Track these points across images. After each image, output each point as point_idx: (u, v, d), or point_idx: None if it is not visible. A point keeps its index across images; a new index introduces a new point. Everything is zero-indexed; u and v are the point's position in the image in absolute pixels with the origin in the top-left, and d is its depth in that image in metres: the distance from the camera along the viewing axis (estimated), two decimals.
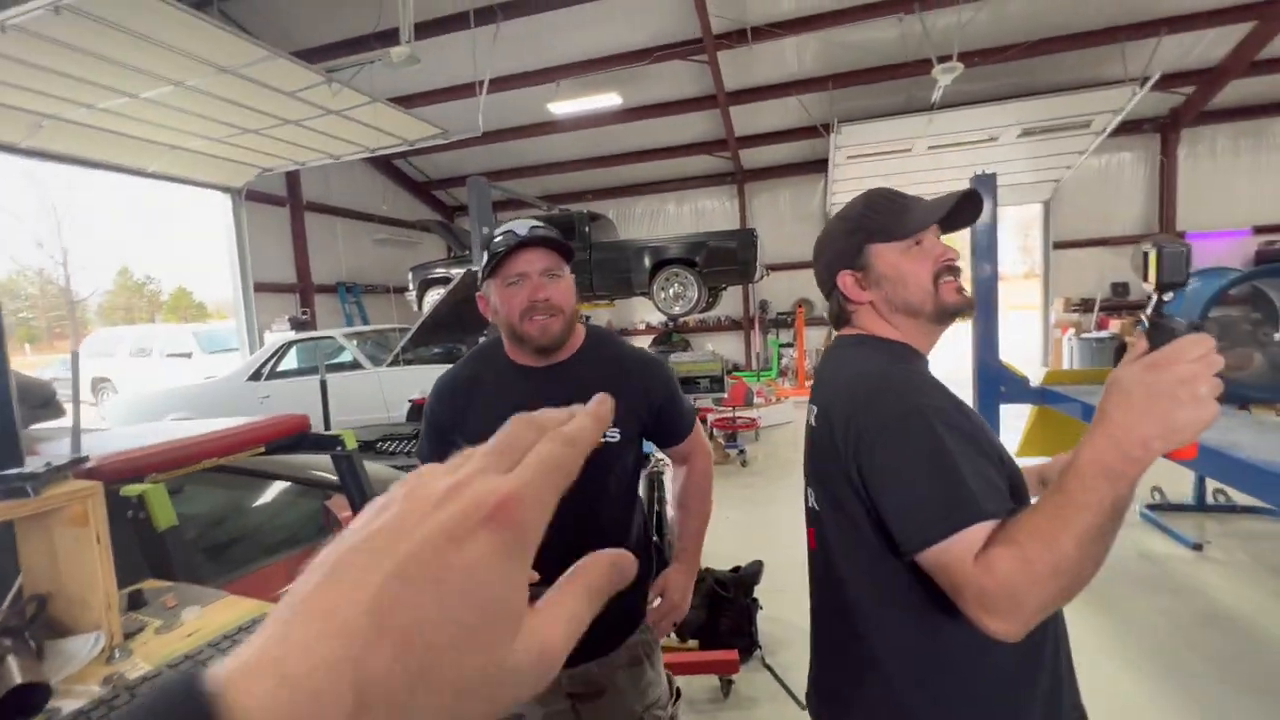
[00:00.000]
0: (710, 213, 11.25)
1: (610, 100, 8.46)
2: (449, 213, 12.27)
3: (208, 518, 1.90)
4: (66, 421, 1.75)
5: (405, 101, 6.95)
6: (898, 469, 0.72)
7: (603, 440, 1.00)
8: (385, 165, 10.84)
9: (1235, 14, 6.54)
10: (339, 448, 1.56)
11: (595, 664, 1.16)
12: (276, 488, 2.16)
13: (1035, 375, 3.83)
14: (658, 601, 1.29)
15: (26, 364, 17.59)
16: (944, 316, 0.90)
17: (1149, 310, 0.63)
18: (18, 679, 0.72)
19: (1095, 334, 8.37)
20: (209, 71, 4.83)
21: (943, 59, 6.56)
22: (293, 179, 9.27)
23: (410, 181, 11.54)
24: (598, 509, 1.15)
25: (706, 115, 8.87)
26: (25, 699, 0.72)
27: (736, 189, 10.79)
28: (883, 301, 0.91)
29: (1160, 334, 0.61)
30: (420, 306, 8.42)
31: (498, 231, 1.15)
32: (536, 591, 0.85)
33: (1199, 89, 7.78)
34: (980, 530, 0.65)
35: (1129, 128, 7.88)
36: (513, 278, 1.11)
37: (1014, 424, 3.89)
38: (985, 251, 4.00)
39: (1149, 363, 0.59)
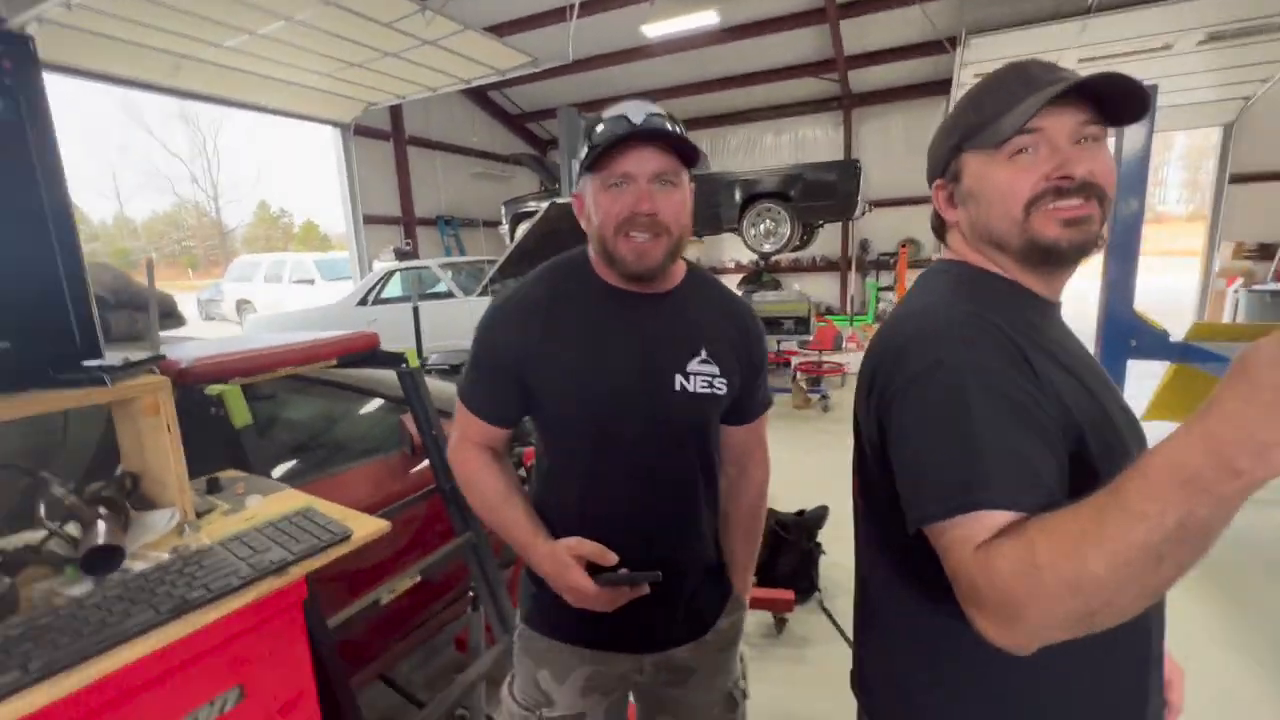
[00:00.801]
0: (812, 142, 10.46)
1: (708, 19, 7.91)
2: (542, 146, 12.30)
3: (299, 423, 2.11)
4: (184, 331, 1.96)
5: (497, 30, 6.89)
6: (910, 431, 0.59)
7: (708, 390, 0.97)
8: (480, 98, 10.96)
9: None
10: (403, 365, 1.64)
11: (685, 648, 1.02)
12: (363, 402, 2.34)
13: (1181, 330, 3.31)
14: None
15: (190, 285, 20.26)
16: (1035, 255, 0.64)
17: None
18: (99, 540, 0.83)
19: (1272, 285, 7.07)
20: (314, 3, 5.02)
21: None
22: (396, 114, 9.62)
23: (504, 114, 11.63)
24: (690, 466, 0.97)
25: (813, 32, 8.09)
26: (106, 557, 0.82)
27: (843, 116, 9.91)
28: (967, 224, 0.69)
29: None
30: (512, 239, 8.66)
31: (606, 114, 0.90)
32: (626, 574, 0.90)
33: None
34: (985, 519, 0.52)
35: None
36: (616, 178, 0.86)
37: (1148, 386, 3.42)
38: (1134, 183, 3.41)
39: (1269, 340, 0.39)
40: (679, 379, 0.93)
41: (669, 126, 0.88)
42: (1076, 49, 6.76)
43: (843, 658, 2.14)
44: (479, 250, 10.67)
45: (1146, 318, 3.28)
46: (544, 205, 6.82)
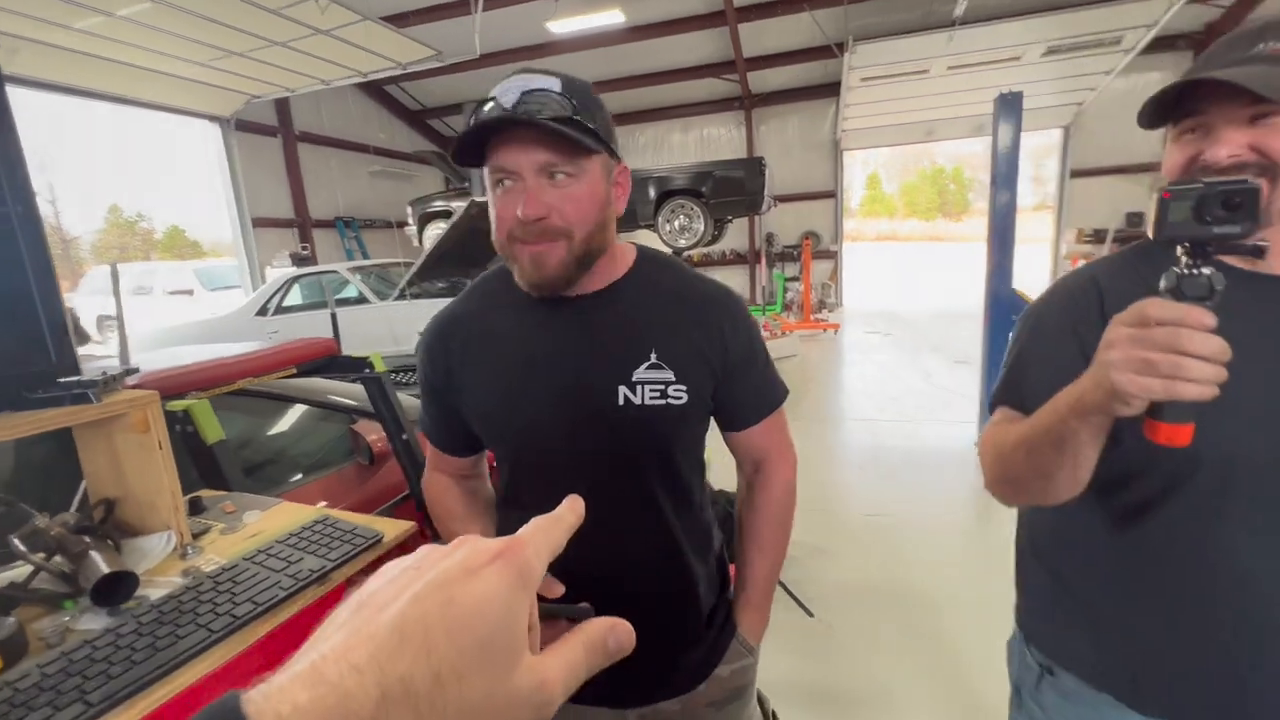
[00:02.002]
0: (716, 141, 10.86)
1: (613, 18, 8.00)
2: (446, 143, 11.86)
3: (239, 440, 1.96)
4: (84, 350, 1.76)
5: (397, 20, 6.57)
6: None
7: (660, 401, 0.79)
8: (378, 93, 10.39)
9: None
10: (368, 370, 1.58)
11: (676, 701, 0.88)
12: (300, 412, 2.21)
13: None
14: None
15: None
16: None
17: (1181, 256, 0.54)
18: (104, 569, 0.77)
19: None
20: None
21: None
22: (283, 108, 8.91)
23: (405, 110, 11.09)
24: (654, 496, 0.82)
25: (714, 34, 8.40)
26: (115, 586, 0.77)
27: (744, 115, 10.38)
28: None
29: (1181, 287, 0.52)
30: (421, 240, 8.30)
31: (491, 94, 0.73)
32: (559, 605, 0.74)
33: (1239, 1, 7.31)
34: (999, 413, 0.79)
35: (1161, 44, 7.46)
36: (500, 174, 0.72)
37: None
38: (1005, 178, 3.89)
39: (1120, 315, 0.54)
40: (623, 391, 0.77)
41: (558, 107, 0.69)
42: (946, 57, 7.53)
43: (800, 624, 2.31)
44: (385, 252, 10.13)
45: (1023, 294, 3.77)
46: (458, 205, 6.62)
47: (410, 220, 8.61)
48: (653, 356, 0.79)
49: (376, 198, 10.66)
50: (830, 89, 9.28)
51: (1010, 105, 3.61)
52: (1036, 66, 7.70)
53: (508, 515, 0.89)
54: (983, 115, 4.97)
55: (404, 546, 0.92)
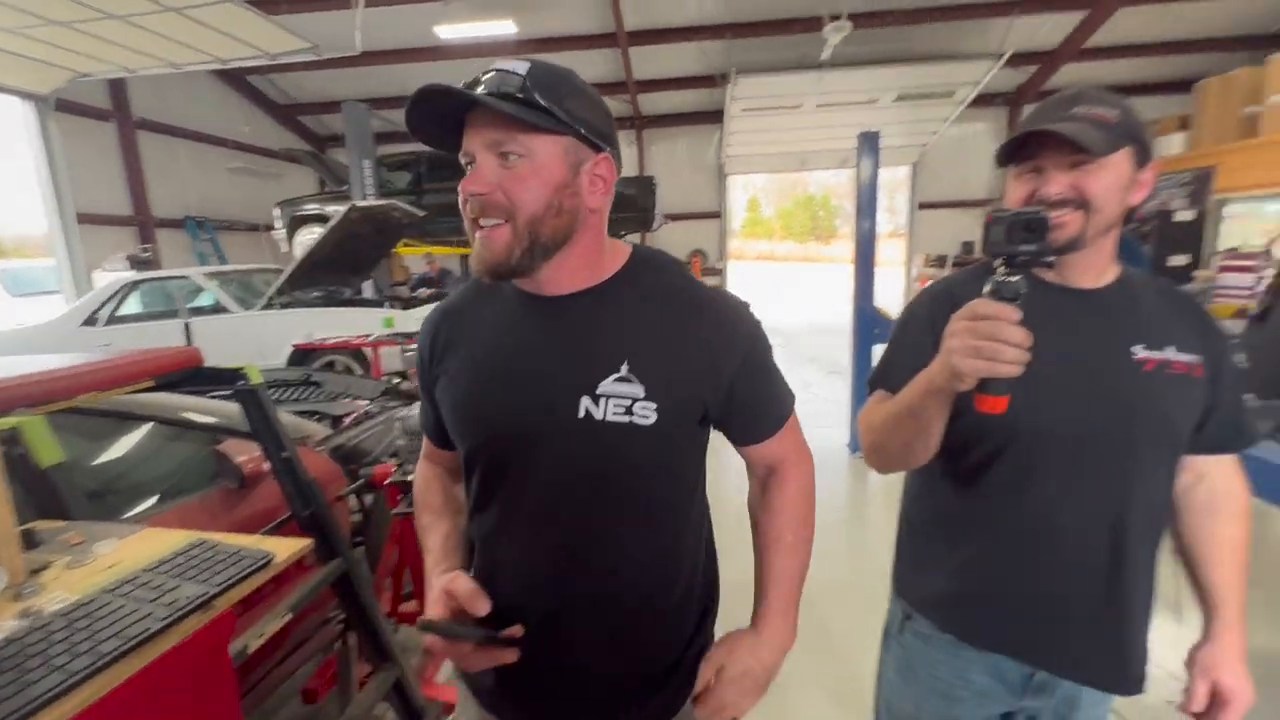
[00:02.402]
0: None
1: (505, 28, 7.93)
2: (320, 142, 11.03)
3: (79, 463, 1.69)
4: None
5: (267, 6, 6.05)
6: None
7: (624, 418, 0.73)
8: (241, 83, 9.45)
9: (1073, 1, 7.39)
10: (241, 383, 1.45)
11: None
12: (152, 431, 1.95)
13: None
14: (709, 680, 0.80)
15: None
16: None
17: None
18: None
19: None
20: None
21: (834, 18, 6.84)
22: (119, 89, 7.83)
23: (272, 104, 10.17)
24: (614, 524, 0.75)
25: (606, 54, 8.62)
26: None
27: (635, 135, 10.69)
28: None
29: (997, 290, 0.68)
30: (291, 246, 7.63)
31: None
32: (464, 628, 0.69)
33: (1040, 69, 8.78)
34: (874, 395, 0.96)
35: (983, 100, 8.77)
36: (464, 158, 0.72)
37: None
38: (867, 207, 4.36)
39: (958, 312, 0.70)
40: (585, 403, 0.71)
41: (508, 85, 0.67)
42: (816, 95, 8.31)
43: None
44: (246, 258, 9.17)
45: (884, 311, 4.23)
46: (335, 209, 6.18)
47: (278, 224, 7.89)
48: (624, 368, 0.72)
49: (238, 197, 9.65)
50: (715, 116, 9.84)
51: (870, 142, 4.06)
52: (890, 110, 8.72)
53: (474, 521, 0.83)
54: (847, 149, 5.58)
55: (302, 566, 0.87)
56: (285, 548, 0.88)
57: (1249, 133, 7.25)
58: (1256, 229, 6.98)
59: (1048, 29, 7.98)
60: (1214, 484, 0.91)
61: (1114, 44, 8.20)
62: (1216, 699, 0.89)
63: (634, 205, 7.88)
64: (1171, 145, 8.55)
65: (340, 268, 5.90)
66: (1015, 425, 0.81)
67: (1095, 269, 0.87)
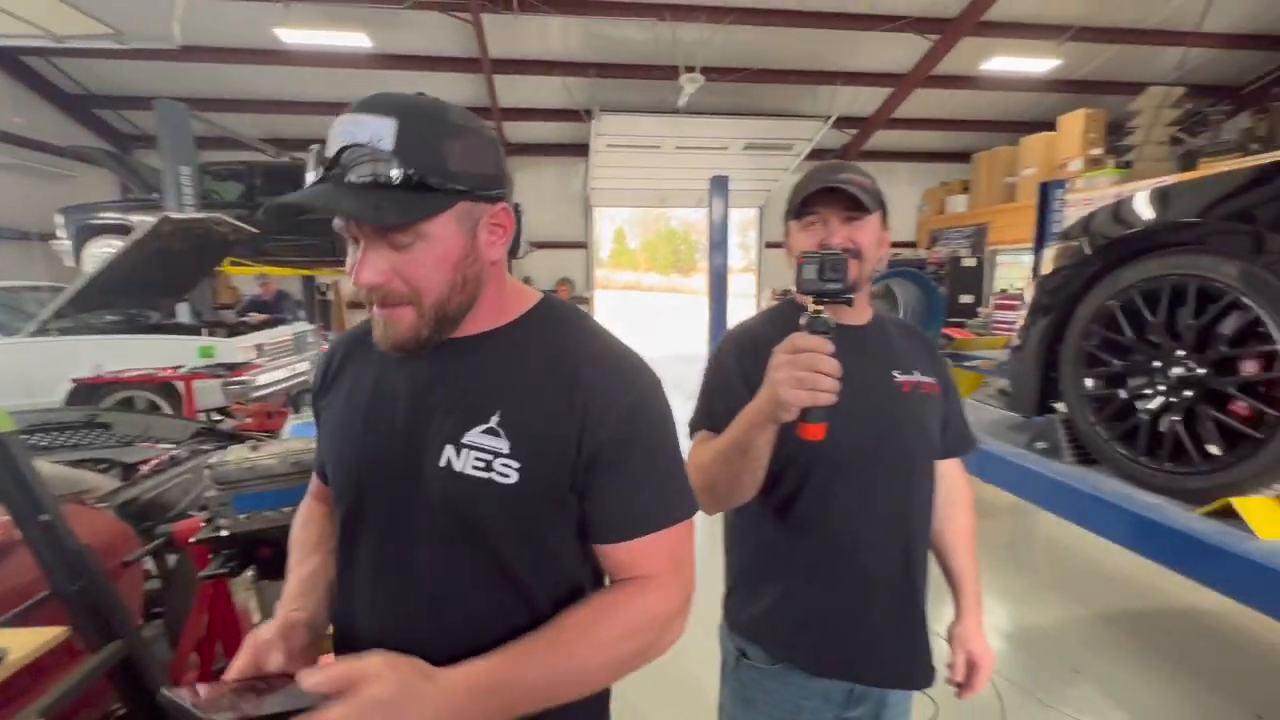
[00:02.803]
0: None
1: (357, 40, 7.50)
2: (124, 142, 9.51)
3: None
4: None
5: None
6: None
7: (483, 474, 0.66)
8: (11, 63, 7.88)
9: (884, 79, 8.71)
10: None
11: None
12: None
13: None
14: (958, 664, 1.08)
15: None
16: None
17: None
18: None
19: None
20: None
21: (689, 69, 7.38)
22: None
23: (60, 93, 8.59)
24: (467, 592, 0.69)
25: (470, 79, 8.48)
26: None
27: None
28: None
29: (812, 325, 0.76)
30: (80, 260, 6.44)
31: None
32: (173, 691, 0.58)
33: (860, 132, 10.16)
34: (698, 436, 1.00)
35: (817, 154, 9.90)
36: (342, 231, 0.66)
37: None
38: (719, 244, 4.71)
39: (780, 345, 0.78)
40: (448, 452, 0.67)
41: (379, 168, 0.60)
42: (674, 137, 8.85)
43: None
44: (12, 272, 7.54)
45: None
46: (141, 219, 5.33)
47: (62, 233, 6.63)
48: (493, 420, 0.67)
49: (2, 198, 7.96)
50: (581, 149, 10.06)
51: (720, 185, 4.41)
52: (740, 156, 9.53)
53: (339, 567, 0.76)
54: (703, 190, 6.02)
55: (73, 652, 0.71)
56: (26, 640, 0.71)
57: (1010, 197, 8.97)
58: (1019, 275, 8.57)
59: (865, 99, 9.29)
60: (950, 482, 1.12)
61: (914, 117, 9.75)
62: (970, 665, 1.08)
63: None
64: (957, 204, 10.31)
65: (147, 288, 5.08)
66: (818, 451, 0.90)
67: (860, 311, 1.05)
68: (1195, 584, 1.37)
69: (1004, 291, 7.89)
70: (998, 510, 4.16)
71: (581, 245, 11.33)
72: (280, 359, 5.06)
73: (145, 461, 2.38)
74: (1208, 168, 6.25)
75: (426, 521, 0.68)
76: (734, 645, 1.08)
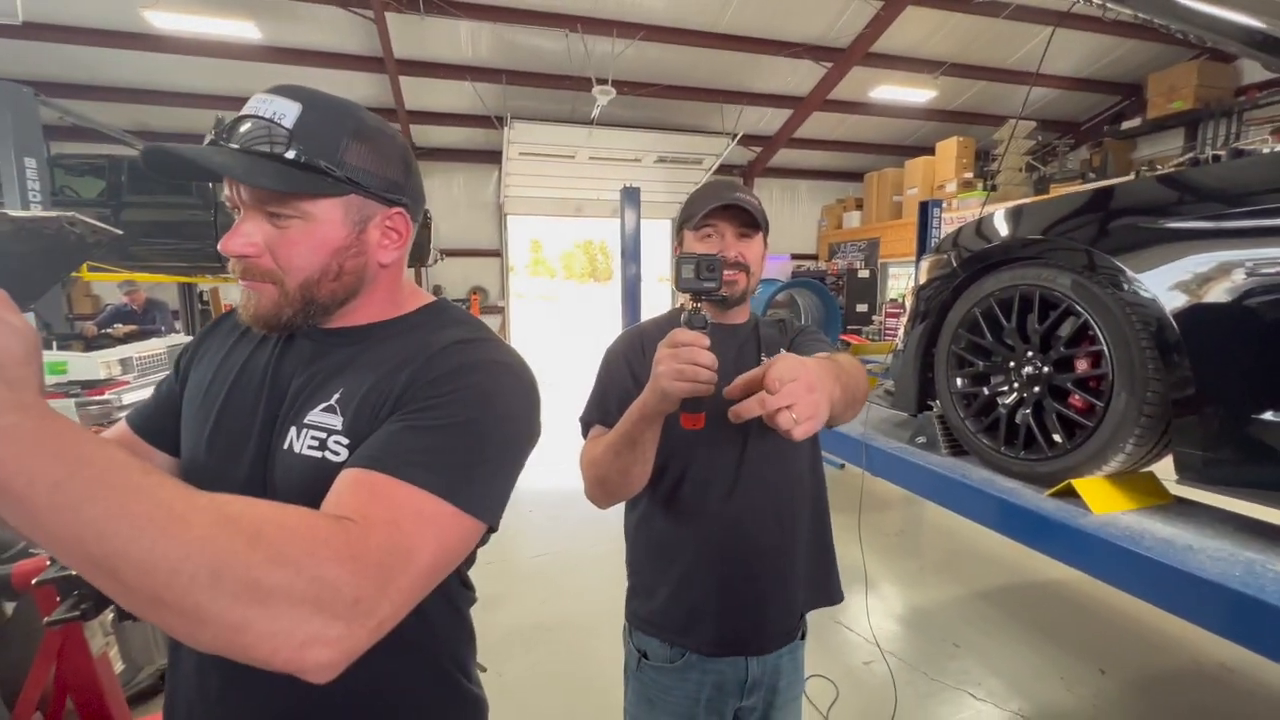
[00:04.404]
0: None
1: (243, 29, 6.95)
2: None
3: None
4: None
5: None
6: None
7: (317, 453, 0.62)
8: None
9: (785, 101, 9.24)
10: None
11: None
12: None
13: None
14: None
15: None
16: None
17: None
18: None
19: None
20: None
21: (600, 81, 7.46)
22: None
23: None
24: None
25: (373, 79, 8.10)
26: None
27: None
28: None
29: (690, 321, 0.82)
30: None
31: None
32: None
33: (764, 150, 10.70)
34: (592, 432, 1.06)
35: (725, 169, 10.32)
36: (228, 200, 0.67)
37: None
38: (632, 253, 4.79)
39: (663, 340, 0.82)
40: (291, 434, 0.66)
41: (270, 142, 0.60)
42: (587, 148, 8.90)
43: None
44: None
45: None
46: None
47: None
48: (334, 398, 0.66)
49: None
50: (494, 155, 9.88)
51: (631, 196, 4.49)
52: (652, 169, 9.74)
53: None
54: (617, 200, 6.12)
55: None
56: None
57: (897, 214, 9.77)
58: (908, 285, 9.34)
59: (768, 119, 9.81)
60: None
61: (813, 137, 10.42)
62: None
63: None
64: (852, 220, 11.10)
65: None
66: (697, 441, 0.96)
67: (743, 313, 1.15)
68: (1050, 560, 1.56)
69: (894, 301, 8.58)
70: (892, 501, 4.49)
71: (496, 253, 11.09)
72: (152, 375, 4.55)
73: None
74: (1056, 191, 7.13)
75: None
76: (635, 647, 1.11)
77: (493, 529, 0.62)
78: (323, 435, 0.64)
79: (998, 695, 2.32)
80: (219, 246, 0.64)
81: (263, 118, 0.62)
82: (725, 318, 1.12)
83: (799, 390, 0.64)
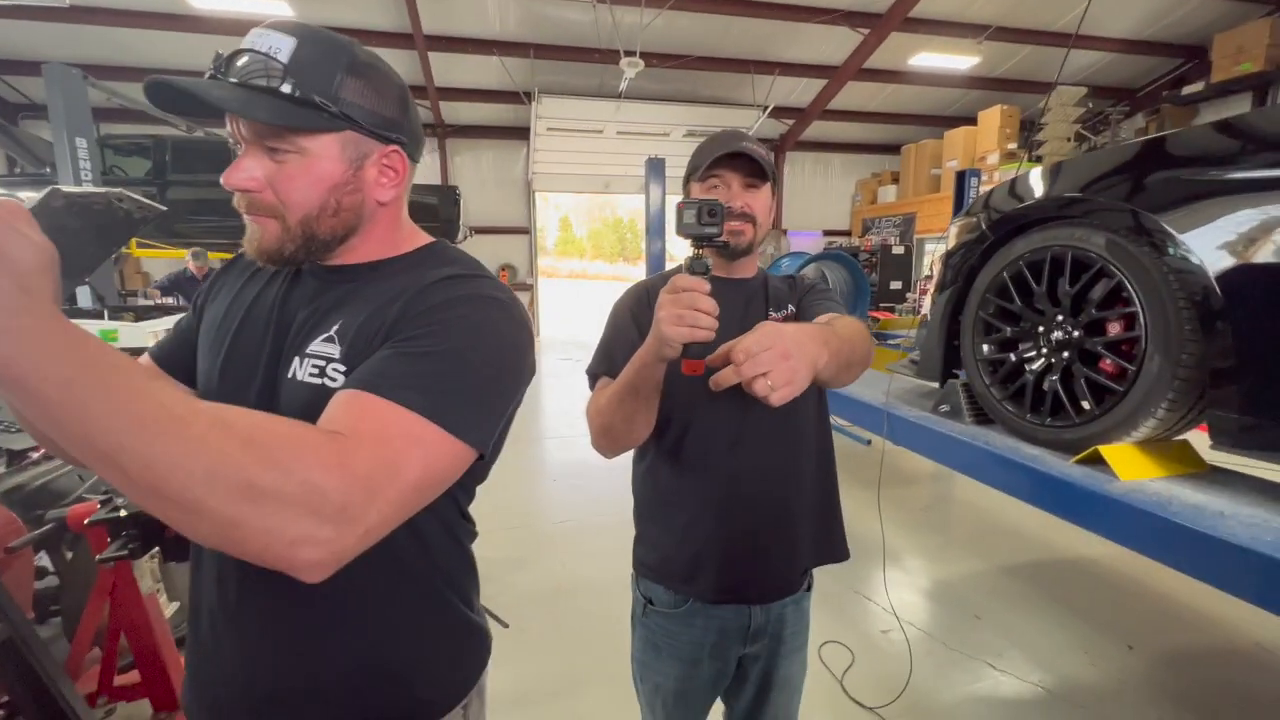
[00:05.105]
0: None
1: (276, 7, 7.07)
2: (8, 111, 8.64)
3: None
4: None
5: None
6: None
7: (316, 380, 0.65)
8: None
9: (818, 70, 8.95)
10: None
11: None
12: None
13: None
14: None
15: None
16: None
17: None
18: None
19: None
20: None
21: (629, 53, 7.35)
22: None
23: None
24: None
25: (403, 55, 8.14)
26: None
27: (438, 143, 10.24)
28: None
29: (691, 266, 0.82)
30: None
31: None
32: None
33: (796, 122, 10.43)
34: (599, 384, 1.05)
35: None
36: (229, 136, 0.67)
37: None
38: (656, 229, 4.75)
39: (664, 287, 0.80)
40: (294, 363, 0.68)
41: (265, 76, 0.61)
42: (615, 122, 8.81)
43: (499, 636, 2.35)
44: None
45: None
46: (32, 194, 4.85)
47: None
48: (334, 329, 0.68)
49: None
50: (522, 132, 9.87)
51: (656, 168, 4.44)
52: (680, 144, 9.59)
53: None
54: (644, 177, 6.08)
55: None
56: None
57: (935, 188, 9.43)
58: (935, 252, 9.07)
59: (801, 90, 9.53)
60: None
61: (847, 109, 10.09)
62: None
63: (436, 215, 7.52)
64: (888, 194, 10.76)
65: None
66: (699, 389, 0.94)
67: (750, 267, 1.13)
68: (1080, 534, 1.51)
69: (928, 277, 8.33)
70: (919, 478, 4.43)
71: (524, 231, 11.15)
72: None
73: (36, 448, 2.21)
74: None
75: None
76: (640, 594, 1.14)
77: (483, 456, 0.63)
78: (322, 363, 0.67)
79: (1018, 667, 2.29)
80: (221, 179, 0.65)
81: (259, 51, 0.62)
82: (732, 271, 1.11)
83: (773, 358, 0.67)
